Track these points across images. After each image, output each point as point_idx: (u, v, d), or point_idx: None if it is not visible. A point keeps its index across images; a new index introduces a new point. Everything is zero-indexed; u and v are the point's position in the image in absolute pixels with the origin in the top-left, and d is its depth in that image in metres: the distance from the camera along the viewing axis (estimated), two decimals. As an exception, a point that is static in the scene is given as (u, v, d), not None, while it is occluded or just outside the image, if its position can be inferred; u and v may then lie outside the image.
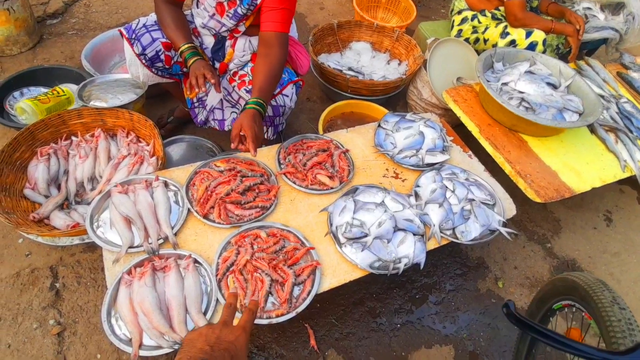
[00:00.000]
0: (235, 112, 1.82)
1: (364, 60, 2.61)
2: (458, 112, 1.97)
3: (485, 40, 2.38)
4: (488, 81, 1.94)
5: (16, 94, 2.17)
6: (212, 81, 1.45)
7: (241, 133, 1.37)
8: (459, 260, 1.91)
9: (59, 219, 1.55)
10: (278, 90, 1.60)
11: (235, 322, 0.81)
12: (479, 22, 2.38)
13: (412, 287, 1.78)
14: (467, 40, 2.44)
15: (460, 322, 1.71)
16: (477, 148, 1.91)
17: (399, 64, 2.63)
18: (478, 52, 2.39)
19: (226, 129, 1.88)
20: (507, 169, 1.78)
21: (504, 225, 1.58)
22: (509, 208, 1.67)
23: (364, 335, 1.61)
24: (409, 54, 2.60)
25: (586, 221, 2.20)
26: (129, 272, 1.24)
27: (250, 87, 1.64)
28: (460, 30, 2.47)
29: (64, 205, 1.65)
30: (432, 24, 2.76)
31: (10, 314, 1.51)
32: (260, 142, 1.41)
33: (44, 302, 1.54)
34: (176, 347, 1.12)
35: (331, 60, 2.53)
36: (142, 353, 1.11)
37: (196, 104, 1.86)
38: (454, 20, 2.52)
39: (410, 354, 1.59)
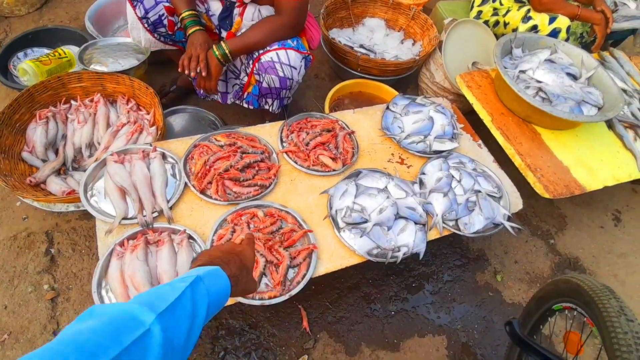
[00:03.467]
0: (238, 85, 1.75)
1: (376, 38, 2.50)
2: (471, 98, 1.89)
3: (505, 24, 2.26)
4: (505, 67, 1.85)
5: (20, 54, 2.13)
6: (203, 70, 1.48)
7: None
8: (458, 251, 1.87)
9: (55, 185, 1.52)
10: (276, 47, 1.51)
11: None
12: (501, 4, 2.26)
13: (409, 275, 1.76)
14: (486, 22, 2.32)
15: (455, 313, 1.69)
16: (487, 137, 1.84)
17: (413, 44, 2.52)
18: (497, 36, 2.28)
19: (228, 102, 1.82)
20: (517, 161, 1.71)
21: (509, 219, 1.54)
22: (516, 202, 1.62)
23: (357, 320, 1.60)
24: (424, 34, 2.49)
25: (593, 219, 2.14)
26: (122, 244, 1.22)
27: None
28: (480, 12, 2.35)
29: (61, 171, 1.63)
30: (451, 4, 2.63)
31: (7, 276, 1.51)
32: (207, 87, 1.57)
33: (39, 266, 1.54)
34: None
35: (342, 36, 2.43)
36: (131, 326, 1.11)
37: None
38: (474, 1, 2.40)
39: (402, 342, 1.57)
